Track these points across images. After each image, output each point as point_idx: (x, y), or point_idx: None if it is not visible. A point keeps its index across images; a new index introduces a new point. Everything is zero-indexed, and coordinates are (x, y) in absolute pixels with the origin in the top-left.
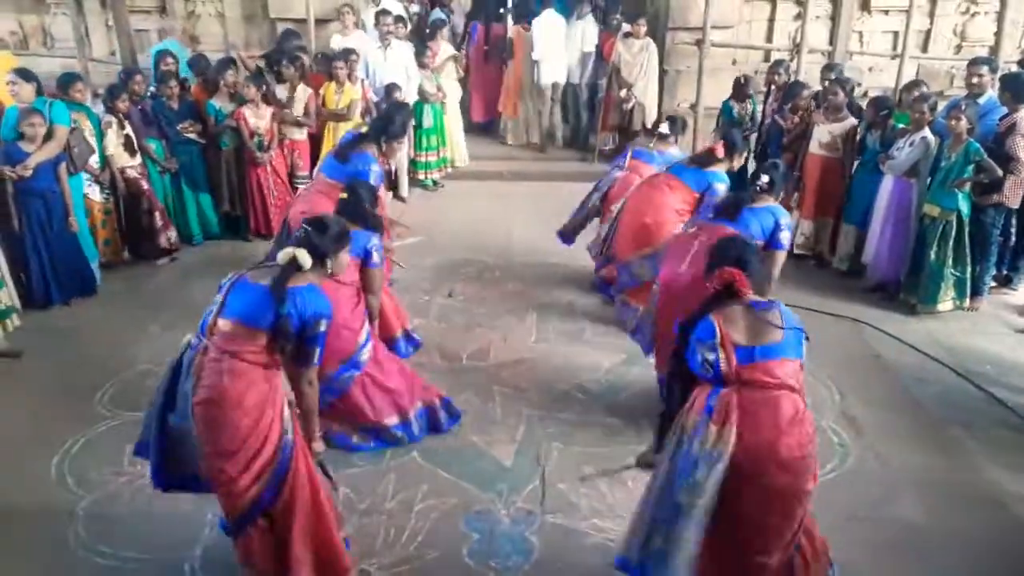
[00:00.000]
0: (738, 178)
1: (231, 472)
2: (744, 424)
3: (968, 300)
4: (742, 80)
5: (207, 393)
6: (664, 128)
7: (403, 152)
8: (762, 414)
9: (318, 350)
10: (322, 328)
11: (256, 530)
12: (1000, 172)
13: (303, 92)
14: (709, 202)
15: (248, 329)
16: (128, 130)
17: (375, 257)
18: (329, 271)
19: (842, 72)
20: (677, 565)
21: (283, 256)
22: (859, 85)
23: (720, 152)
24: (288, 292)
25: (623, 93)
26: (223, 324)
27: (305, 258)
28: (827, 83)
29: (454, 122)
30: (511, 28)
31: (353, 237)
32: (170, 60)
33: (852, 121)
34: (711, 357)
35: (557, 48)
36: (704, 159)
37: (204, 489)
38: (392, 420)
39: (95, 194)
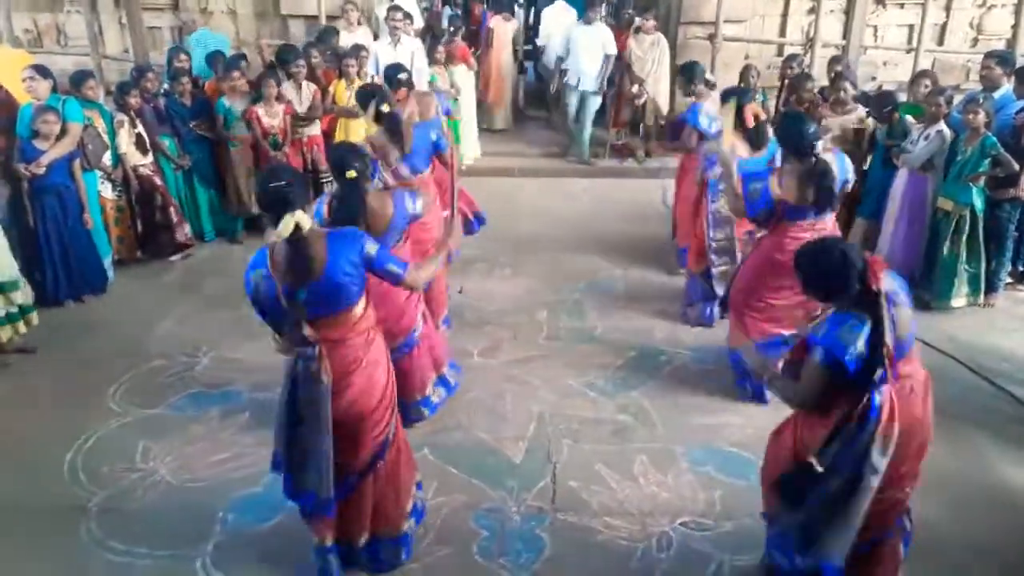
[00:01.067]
0: None
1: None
2: (902, 414)
3: (983, 296)
4: (745, 70)
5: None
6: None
7: None
8: (912, 398)
9: (394, 263)
10: (373, 251)
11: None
12: (1016, 166)
13: (307, 88)
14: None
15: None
16: (140, 128)
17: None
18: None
19: (848, 66)
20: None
21: (283, 231)
22: (873, 79)
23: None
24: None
25: (635, 88)
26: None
27: (305, 219)
28: (832, 76)
29: (468, 116)
30: (491, 18)
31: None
32: (183, 57)
33: (860, 112)
34: (880, 372)
35: (585, 50)
36: None
37: (321, 510)
38: (423, 393)
39: (107, 192)
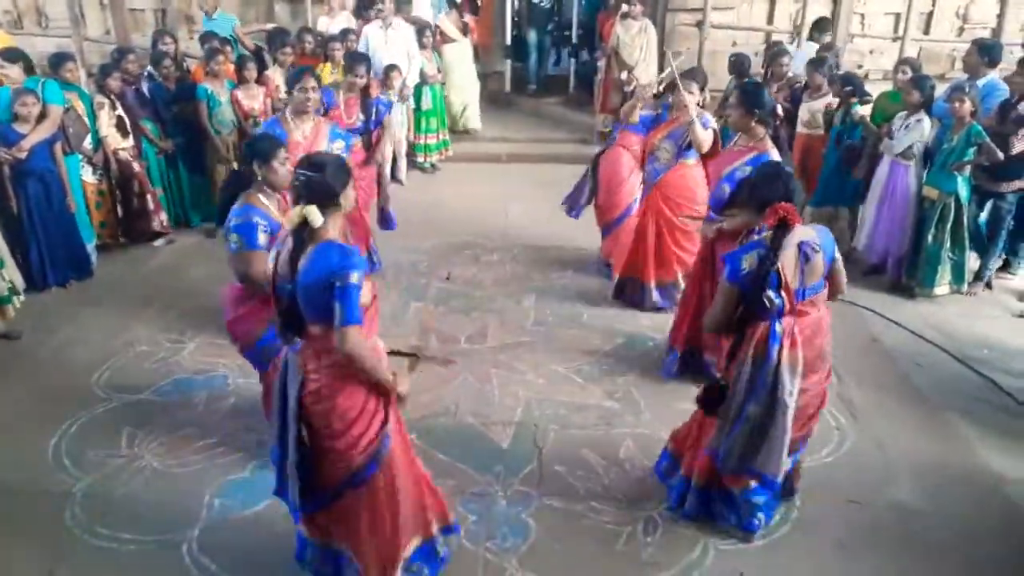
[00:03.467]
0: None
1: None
2: (805, 344)
3: (966, 285)
4: (733, 58)
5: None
6: None
7: (402, 135)
8: (812, 333)
9: (349, 308)
10: (343, 283)
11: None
12: (1001, 155)
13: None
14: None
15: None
16: (120, 111)
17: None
18: (342, 210)
19: (837, 53)
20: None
21: (294, 218)
22: (860, 67)
23: None
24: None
25: (624, 75)
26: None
27: (315, 216)
28: (805, 63)
29: (470, 84)
30: None
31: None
32: (168, 40)
33: (830, 99)
34: (777, 301)
35: None
36: None
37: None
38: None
39: (88, 176)
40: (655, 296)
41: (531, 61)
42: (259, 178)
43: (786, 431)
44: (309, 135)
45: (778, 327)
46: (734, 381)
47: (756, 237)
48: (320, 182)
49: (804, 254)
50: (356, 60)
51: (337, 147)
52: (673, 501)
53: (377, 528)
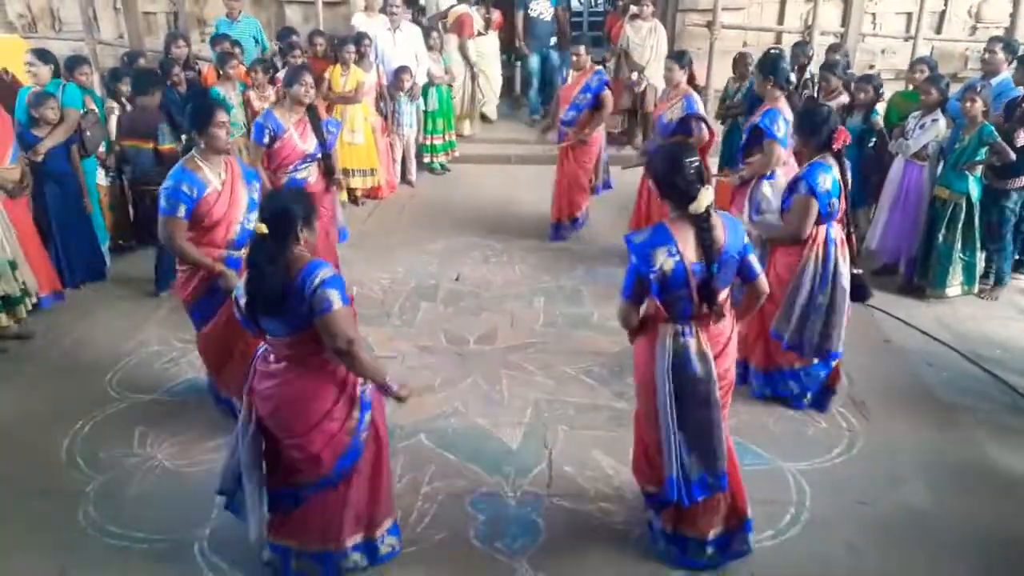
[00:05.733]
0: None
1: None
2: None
3: (977, 285)
4: (738, 57)
5: None
6: None
7: (412, 135)
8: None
9: (338, 295)
10: (325, 276)
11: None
12: (1013, 155)
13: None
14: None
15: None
16: None
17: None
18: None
19: (847, 54)
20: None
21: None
22: (872, 67)
23: None
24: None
25: (634, 76)
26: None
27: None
28: (820, 66)
29: (495, 76)
30: None
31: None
32: (181, 43)
33: (843, 99)
34: (837, 205)
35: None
36: None
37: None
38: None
39: (101, 178)
40: None
41: (532, 92)
42: (201, 144)
43: (844, 313)
44: (226, 178)
45: (832, 231)
46: (798, 277)
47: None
48: (284, 221)
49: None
50: (299, 70)
51: (254, 190)
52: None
53: (328, 527)
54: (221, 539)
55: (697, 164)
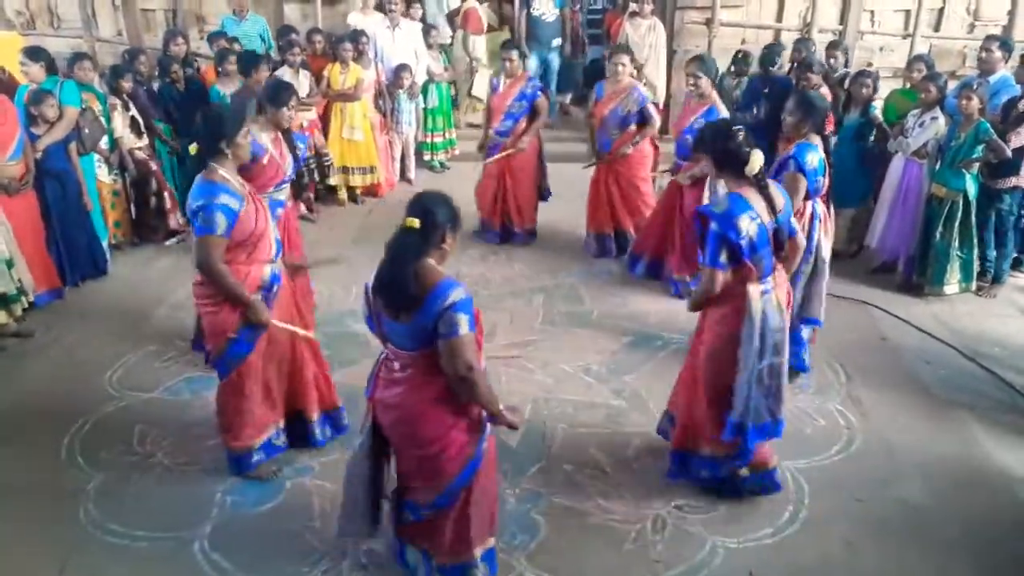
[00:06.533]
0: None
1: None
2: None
3: (974, 283)
4: (739, 55)
5: None
6: None
7: (411, 133)
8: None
9: (466, 321)
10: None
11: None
12: (1009, 152)
13: (304, 77)
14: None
15: None
16: (133, 111)
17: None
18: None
19: (847, 50)
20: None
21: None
22: (870, 64)
23: None
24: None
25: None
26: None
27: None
28: (795, 64)
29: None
30: None
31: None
32: (180, 41)
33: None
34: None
35: None
36: None
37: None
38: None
39: (104, 175)
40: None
41: None
42: (227, 154)
43: (825, 282)
44: (248, 188)
45: (817, 207)
46: None
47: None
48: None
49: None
50: (288, 90)
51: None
52: None
53: (456, 539)
54: (221, 537)
55: (743, 131)
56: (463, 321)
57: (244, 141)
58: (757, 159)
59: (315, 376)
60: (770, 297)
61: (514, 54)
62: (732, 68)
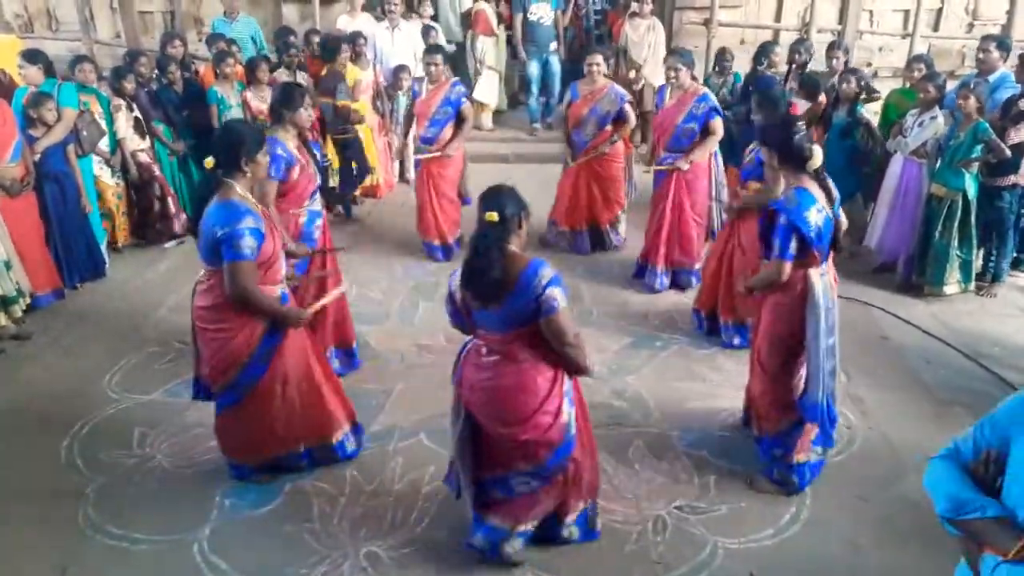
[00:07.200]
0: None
1: None
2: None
3: (974, 283)
4: (721, 53)
5: None
6: None
7: (412, 134)
8: None
9: (560, 296)
10: (552, 284)
11: None
12: (1008, 152)
13: (301, 79)
14: None
15: None
16: (136, 112)
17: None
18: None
19: (847, 50)
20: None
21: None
22: (869, 64)
23: None
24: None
25: (632, 74)
26: None
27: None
28: (791, 66)
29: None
30: None
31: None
32: (177, 43)
33: (820, 99)
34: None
35: None
36: None
37: None
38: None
39: (107, 177)
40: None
41: (531, 99)
42: (245, 172)
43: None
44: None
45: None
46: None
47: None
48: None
49: None
50: (302, 92)
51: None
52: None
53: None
54: (221, 539)
55: (805, 129)
56: (560, 295)
57: (264, 159)
58: (818, 155)
59: (336, 389)
60: (827, 280)
61: (438, 58)
62: (716, 67)
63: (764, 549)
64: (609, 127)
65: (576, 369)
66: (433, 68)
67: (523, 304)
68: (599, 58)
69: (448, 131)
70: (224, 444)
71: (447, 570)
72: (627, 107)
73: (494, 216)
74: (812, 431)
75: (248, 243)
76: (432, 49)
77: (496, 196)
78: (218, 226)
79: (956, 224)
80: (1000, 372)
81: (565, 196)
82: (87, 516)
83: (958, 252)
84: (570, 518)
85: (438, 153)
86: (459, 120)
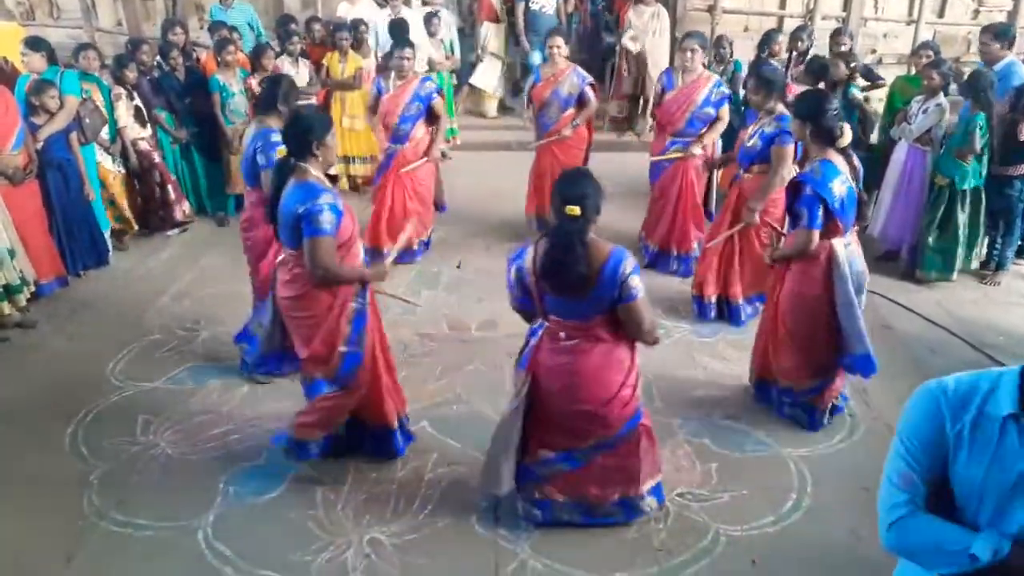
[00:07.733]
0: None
1: None
2: None
3: (955, 274)
4: (719, 40)
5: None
6: None
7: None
8: None
9: (637, 288)
10: (632, 272)
11: None
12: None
13: (303, 66)
14: None
15: None
16: (137, 100)
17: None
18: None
19: (852, 36)
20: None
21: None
22: (873, 51)
23: None
24: None
25: (627, 42)
26: None
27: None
28: (792, 53)
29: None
30: None
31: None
32: (179, 30)
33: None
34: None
35: None
36: None
37: None
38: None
39: (110, 164)
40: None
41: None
42: (316, 155)
43: None
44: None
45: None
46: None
47: None
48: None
49: None
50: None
51: None
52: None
53: (608, 483)
54: (225, 526)
55: (837, 107)
56: (639, 284)
57: (333, 142)
58: (848, 135)
59: (392, 387)
60: (853, 248)
61: (408, 52)
62: (715, 55)
63: (766, 536)
64: (572, 110)
65: (646, 343)
66: (405, 62)
67: (606, 293)
68: (559, 40)
69: (420, 128)
70: (308, 419)
71: (450, 557)
72: (588, 89)
73: (575, 211)
74: (842, 383)
75: (328, 218)
76: (402, 43)
77: (575, 184)
78: (298, 203)
79: (959, 213)
80: (1004, 361)
81: (534, 181)
82: (91, 503)
83: (961, 241)
84: (646, 487)
85: (424, 160)
86: (432, 118)
